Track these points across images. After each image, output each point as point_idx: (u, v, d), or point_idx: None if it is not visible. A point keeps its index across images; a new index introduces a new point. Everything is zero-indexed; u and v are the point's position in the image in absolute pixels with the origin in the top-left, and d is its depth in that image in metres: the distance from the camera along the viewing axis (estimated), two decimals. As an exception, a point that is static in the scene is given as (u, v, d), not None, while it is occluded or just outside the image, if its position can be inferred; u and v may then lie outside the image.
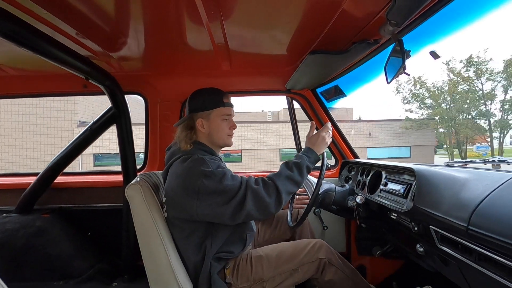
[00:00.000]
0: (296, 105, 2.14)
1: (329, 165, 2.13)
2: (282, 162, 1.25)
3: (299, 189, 1.28)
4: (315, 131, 1.34)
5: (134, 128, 1.84)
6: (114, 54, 1.56)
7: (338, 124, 2.06)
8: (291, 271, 1.20)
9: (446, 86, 18.02)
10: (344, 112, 19.61)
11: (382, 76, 1.20)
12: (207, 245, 1.16)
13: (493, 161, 1.27)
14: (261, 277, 1.19)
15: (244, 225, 1.26)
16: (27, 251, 1.75)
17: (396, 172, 1.36)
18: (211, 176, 1.09)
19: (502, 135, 17.55)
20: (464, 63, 17.05)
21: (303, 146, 1.39)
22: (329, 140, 1.31)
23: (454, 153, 19.26)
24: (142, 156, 2.07)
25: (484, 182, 0.89)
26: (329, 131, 1.33)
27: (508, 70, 15.85)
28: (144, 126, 2.02)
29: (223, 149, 1.36)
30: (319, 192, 1.42)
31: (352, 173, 1.85)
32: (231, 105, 1.29)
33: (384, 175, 1.43)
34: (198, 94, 1.28)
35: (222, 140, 1.28)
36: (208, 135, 1.26)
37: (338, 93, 1.94)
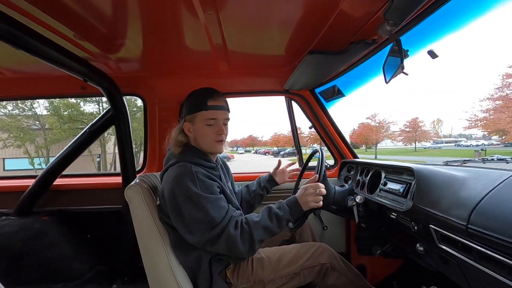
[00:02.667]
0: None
1: (328, 165, 2.13)
2: (266, 206, 1.19)
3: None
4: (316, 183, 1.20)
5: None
6: (112, 55, 1.55)
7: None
8: (292, 275, 1.20)
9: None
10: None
11: (380, 76, 1.21)
12: (201, 252, 1.15)
13: (492, 160, 1.27)
14: (261, 278, 1.19)
15: None
16: (26, 254, 1.74)
17: (395, 171, 1.36)
18: (193, 199, 1.05)
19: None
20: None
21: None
22: (313, 203, 1.16)
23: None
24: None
25: (483, 181, 0.89)
26: (317, 190, 1.17)
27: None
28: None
29: None
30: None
31: (352, 173, 1.85)
32: (218, 108, 1.19)
33: (383, 175, 1.43)
34: (189, 96, 1.24)
35: (207, 147, 1.21)
36: (194, 140, 1.22)
37: (337, 93, 1.94)
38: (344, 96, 1.95)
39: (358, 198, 1.41)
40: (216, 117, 1.18)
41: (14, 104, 15.50)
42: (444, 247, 0.92)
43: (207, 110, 1.17)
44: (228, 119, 1.23)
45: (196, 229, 1.06)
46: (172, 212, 1.09)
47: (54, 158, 1.93)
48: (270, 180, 1.60)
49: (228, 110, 1.24)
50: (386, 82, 1.19)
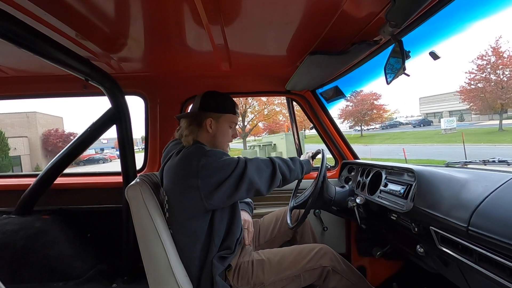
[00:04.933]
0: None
1: (329, 166, 2.13)
2: None
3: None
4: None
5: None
6: (114, 55, 1.56)
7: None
8: (292, 277, 1.19)
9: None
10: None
11: (381, 77, 1.21)
12: (211, 242, 1.16)
13: (493, 161, 1.27)
14: (262, 281, 1.18)
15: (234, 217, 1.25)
16: (27, 252, 1.75)
17: (396, 172, 1.36)
18: (210, 155, 1.11)
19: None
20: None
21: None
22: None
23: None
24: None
25: (483, 183, 0.89)
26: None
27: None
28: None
29: None
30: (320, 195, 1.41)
31: (352, 173, 1.85)
32: (239, 115, 1.36)
33: (384, 176, 1.43)
34: (214, 94, 1.31)
35: (221, 146, 1.30)
36: (213, 137, 1.27)
37: (338, 93, 1.94)
38: (345, 97, 1.95)
39: (358, 199, 1.41)
40: (237, 123, 1.36)
41: None
42: (444, 249, 0.91)
43: (235, 114, 1.33)
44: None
45: (225, 174, 1.08)
46: (193, 182, 1.07)
47: (55, 157, 1.94)
48: None
49: None
50: (388, 83, 1.19)
